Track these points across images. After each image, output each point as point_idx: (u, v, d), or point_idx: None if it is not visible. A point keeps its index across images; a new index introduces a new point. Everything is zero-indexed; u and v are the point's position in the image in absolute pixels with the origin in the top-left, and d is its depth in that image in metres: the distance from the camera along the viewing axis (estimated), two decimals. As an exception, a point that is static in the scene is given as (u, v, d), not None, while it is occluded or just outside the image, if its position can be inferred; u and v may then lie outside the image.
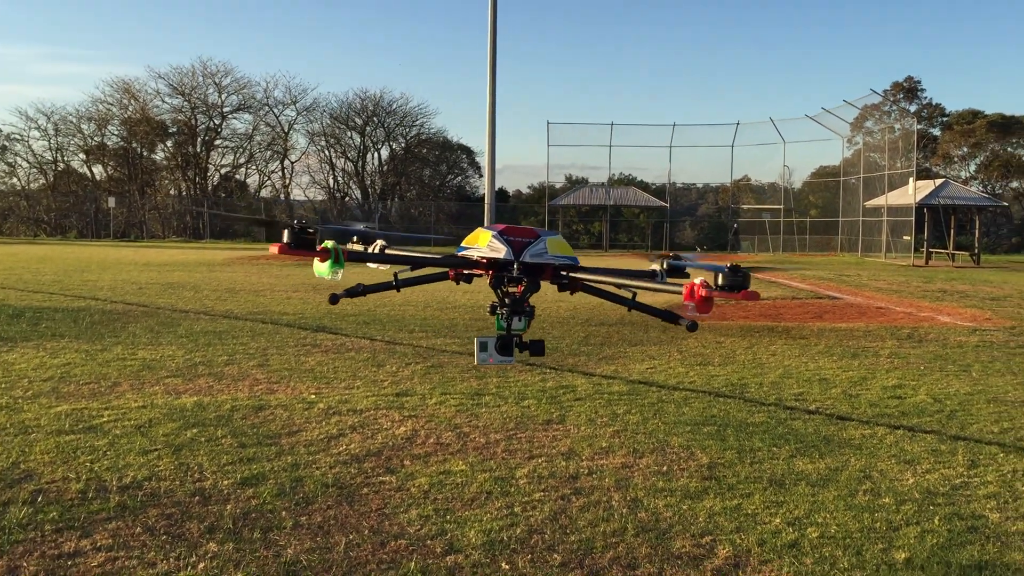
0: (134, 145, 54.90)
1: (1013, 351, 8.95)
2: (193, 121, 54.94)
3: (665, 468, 4.61)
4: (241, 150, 57.08)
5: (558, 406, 6.01)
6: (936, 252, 33.57)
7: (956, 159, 53.22)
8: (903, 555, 3.49)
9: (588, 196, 49.12)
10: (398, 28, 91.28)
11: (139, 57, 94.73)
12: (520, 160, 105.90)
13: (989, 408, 6.23)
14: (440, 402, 6.07)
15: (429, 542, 3.54)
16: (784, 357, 8.33)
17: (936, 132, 53.70)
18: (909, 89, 53.46)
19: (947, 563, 3.42)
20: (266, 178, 58.34)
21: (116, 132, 55.33)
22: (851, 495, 4.22)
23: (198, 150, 55.51)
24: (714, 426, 5.52)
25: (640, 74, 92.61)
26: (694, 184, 55.93)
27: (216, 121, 55.61)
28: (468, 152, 58.81)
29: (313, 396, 6.18)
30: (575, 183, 53.15)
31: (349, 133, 57.23)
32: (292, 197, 58.15)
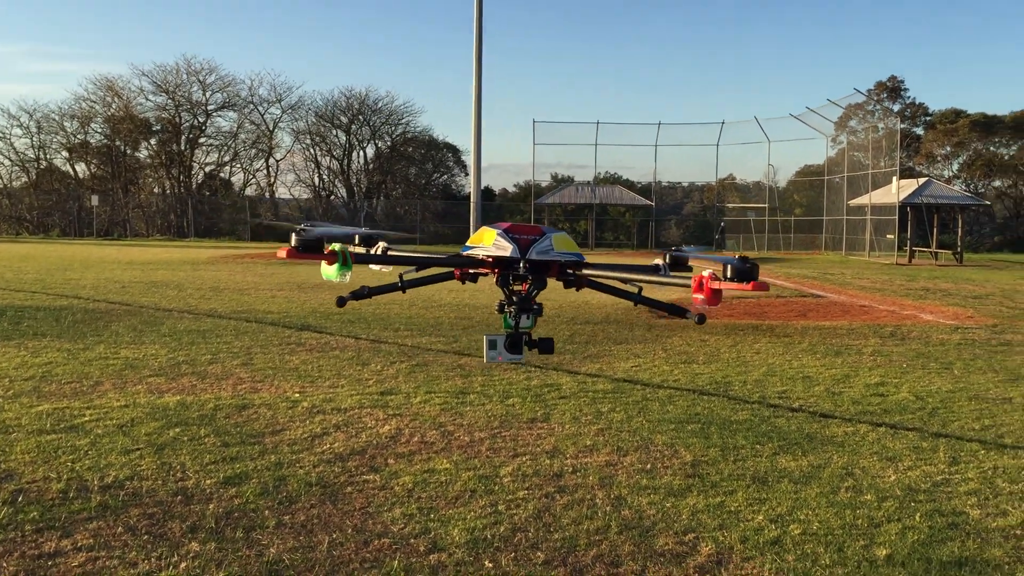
0: (117, 143, 54.48)
1: (994, 349, 9.03)
2: (177, 119, 54.60)
3: (649, 466, 4.62)
4: (226, 148, 56.77)
5: (543, 404, 6.01)
6: (919, 251, 33.76)
7: (939, 158, 53.56)
8: (884, 551, 3.51)
9: (574, 195, 49.14)
10: (380, 25, 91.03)
11: (123, 55, 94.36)
12: (506, 159, 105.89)
13: (970, 405, 6.28)
14: (425, 401, 6.06)
15: (412, 540, 3.54)
16: (768, 355, 8.36)
17: (919, 131, 54.02)
18: (893, 89, 53.74)
19: (928, 559, 3.45)
20: (251, 176, 58.09)
21: (99, 130, 54.92)
22: (833, 492, 4.25)
23: (182, 148, 55.17)
24: (698, 424, 5.54)
25: (626, 72, 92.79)
26: (679, 183, 56.06)
27: (200, 119, 55.29)
28: (454, 151, 58.73)
29: (297, 395, 6.16)
30: (561, 182, 53.15)
31: (334, 131, 57.04)
32: (277, 195, 57.99)
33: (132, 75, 71.11)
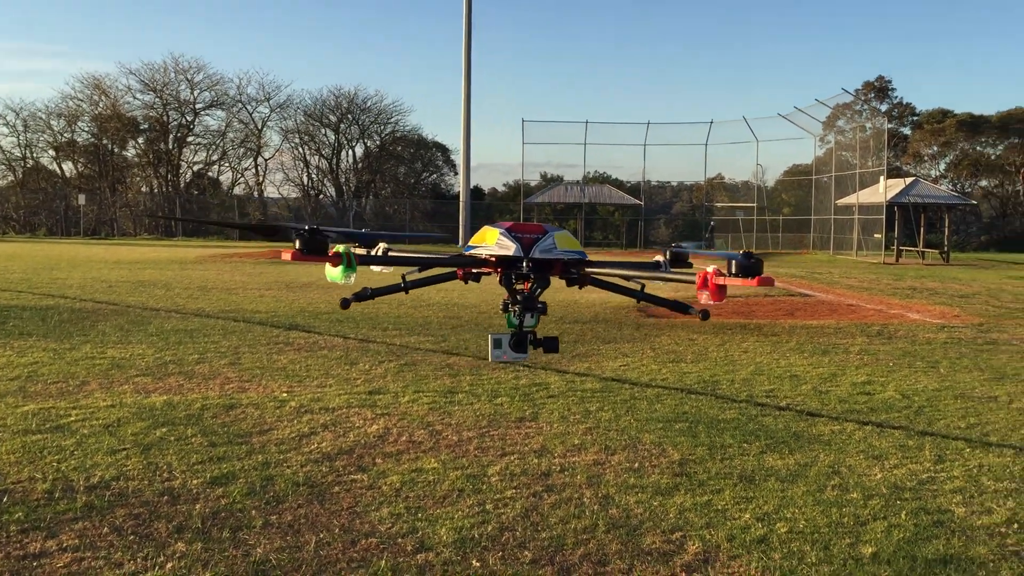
0: (105, 142, 54.24)
1: (980, 347, 9.08)
2: (165, 118, 54.41)
3: (636, 465, 4.63)
4: (214, 147, 56.67)
5: (531, 403, 6.01)
6: (906, 250, 33.92)
7: (926, 158, 53.87)
8: (870, 549, 3.53)
9: (563, 194, 49.16)
10: (369, 24, 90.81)
11: (110, 54, 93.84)
12: (495, 158, 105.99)
13: (956, 404, 6.31)
14: (413, 400, 6.06)
15: (400, 540, 3.54)
16: (756, 354, 8.39)
17: (907, 131, 54.32)
18: (880, 88, 54.02)
19: (913, 557, 3.46)
20: (239, 175, 57.97)
21: (86, 128, 54.70)
22: (820, 490, 4.27)
23: (170, 147, 54.98)
24: (686, 423, 5.55)
25: (615, 72, 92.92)
26: (668, 182, 56.22)
27: (188, 118, 55.14)
28: (443, 150, 58.76)
29: (285, 394, 6.14)
30: (550, 181, 53.19)
31: (323, 130, 56.98)
32: (266, 195, 57.84)
33: (120, 73, 70.98)
